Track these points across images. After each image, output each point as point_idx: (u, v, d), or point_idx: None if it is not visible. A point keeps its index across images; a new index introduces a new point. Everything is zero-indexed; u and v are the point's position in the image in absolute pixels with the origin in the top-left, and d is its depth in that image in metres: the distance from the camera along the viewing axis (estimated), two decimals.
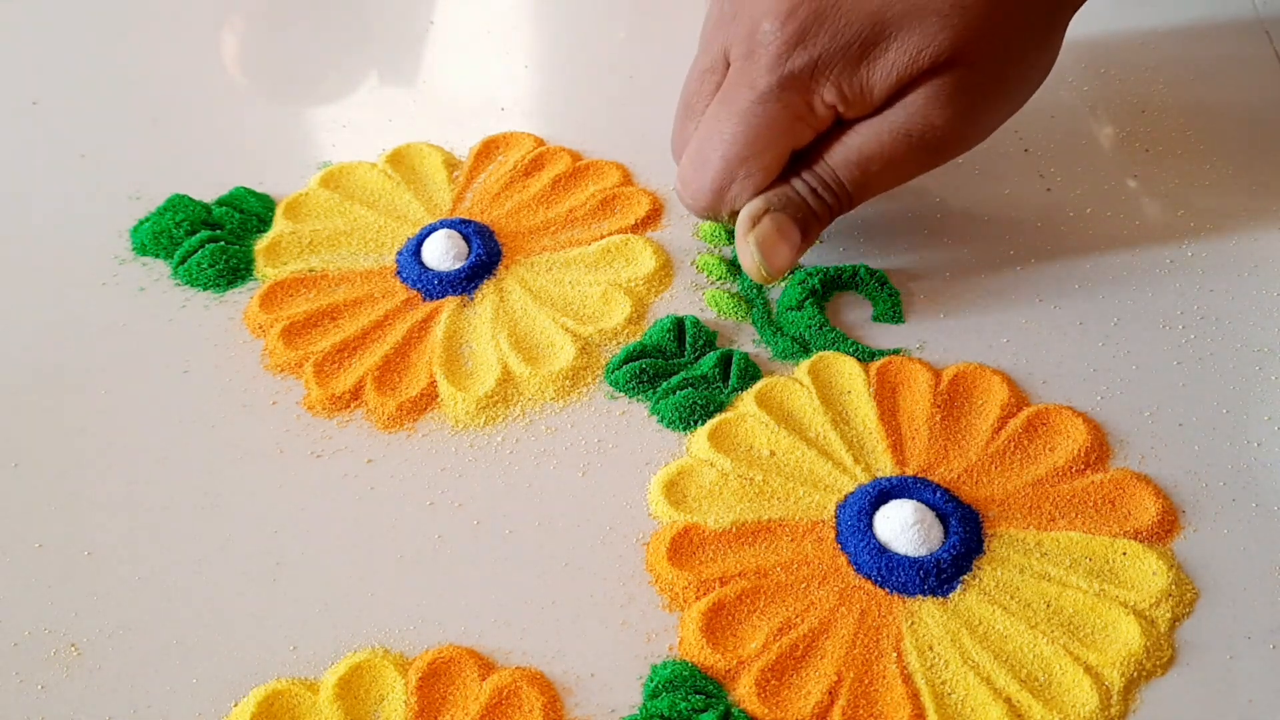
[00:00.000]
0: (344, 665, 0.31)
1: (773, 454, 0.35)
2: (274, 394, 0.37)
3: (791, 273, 0.40)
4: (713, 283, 0.40)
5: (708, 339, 0.38)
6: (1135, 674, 0.30)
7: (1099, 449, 0.35)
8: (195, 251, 0.41)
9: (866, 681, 0.30)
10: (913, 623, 0.31)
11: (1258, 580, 0.32)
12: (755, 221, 0.37)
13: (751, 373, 0.37)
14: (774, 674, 0.30)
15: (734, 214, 0.38)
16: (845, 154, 0.37)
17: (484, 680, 0.30)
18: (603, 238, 0.42)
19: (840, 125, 0.37)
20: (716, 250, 0.41)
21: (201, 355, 0.39)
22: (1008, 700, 0.30)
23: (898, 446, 0.35)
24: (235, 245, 0.42)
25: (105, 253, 0.42)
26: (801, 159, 0.38)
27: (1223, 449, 0.35)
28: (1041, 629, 0.31)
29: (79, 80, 0.49)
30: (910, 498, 0.33)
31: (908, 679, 0.30)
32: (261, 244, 0.42)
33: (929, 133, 0.36)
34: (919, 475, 0.34)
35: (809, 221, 0.37)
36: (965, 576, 0.32)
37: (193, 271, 0.41)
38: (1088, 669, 0.30)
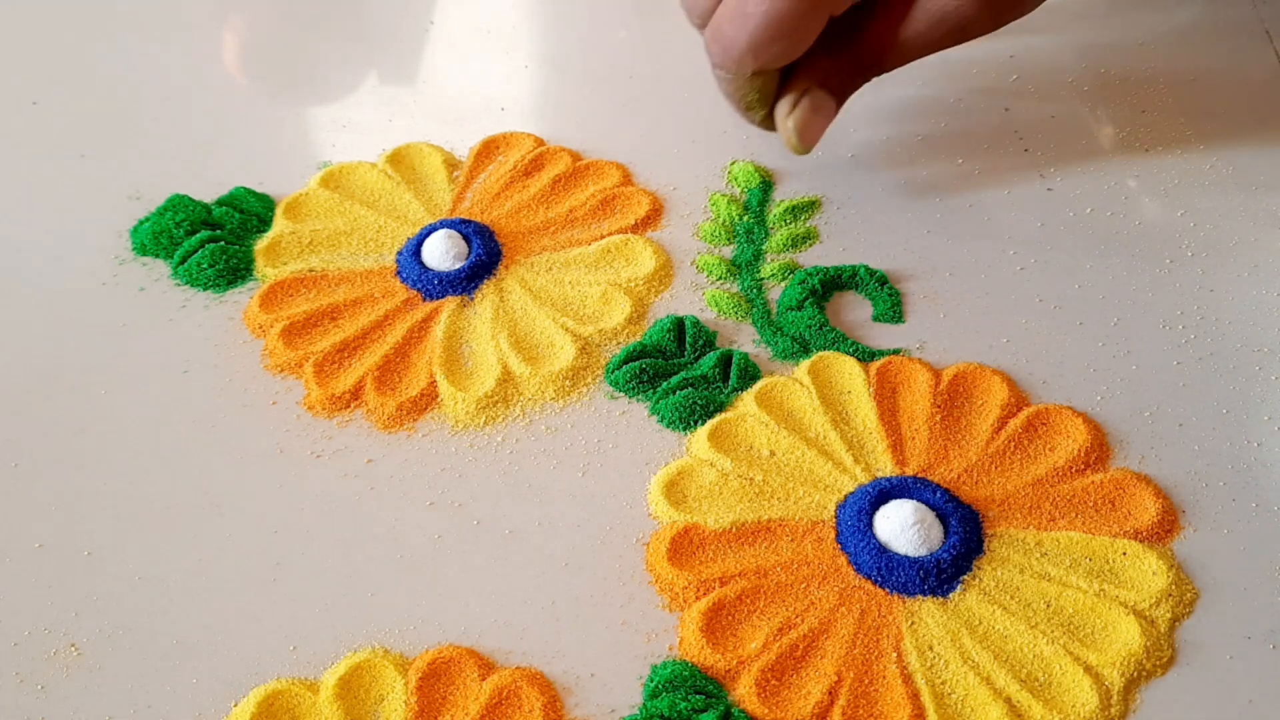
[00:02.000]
0: (344, 665, 0.31)
1: (773, 454, 0.35)
2: (274, 394, 0.37)
3: (793, 271, 0.40)
4: (713, 283, 0.40)
5: (708, 339, 0.38)
6: (1135, 674, 0.30)
7: (1099, 449, 0.35)
8: (195, 251, 0.41)
9: (866, 681, 0.30)
10: (913, 623, 0.31)
11: (1258, 580, 0.32)
12: (796, 102, 0.39)
13: (751, 373, 0.37)
14: (774, 674, 0.30)
15: (759, 72, 0.39)
16: (880, 30, 0.38)
17: (484, 680, 0.30)
18: (603, 238, 0.42)
19: None
20: (716, 250, 0.41)
21: (201, 355, 0.39)
22: (1008, 700, 0.30)
23: (898, 446, 0.35)
24: (235, 245, 0.42)
25: (105, 253, 0.42)
26: (834, 28, 0.38)
27: (1223, 449, 0.35)
28: (1041, 629, 0.31)
29: (79, 80, 0.49)
30: (910, 498, 0.33)
31: (908, 679, 0.30)
32: (261, 244, 0.42)
33: (962, 18, 0.38)
34: (919, 475, 0.34)
35: (843, 93, 0.40)
36: (965, 576, 0.32)
37: (193, 271, 0.41)
38: (1088, 669, 0.30)
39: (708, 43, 0.39)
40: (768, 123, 0.41)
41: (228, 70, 0.51)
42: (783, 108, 0.40)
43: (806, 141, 0.40)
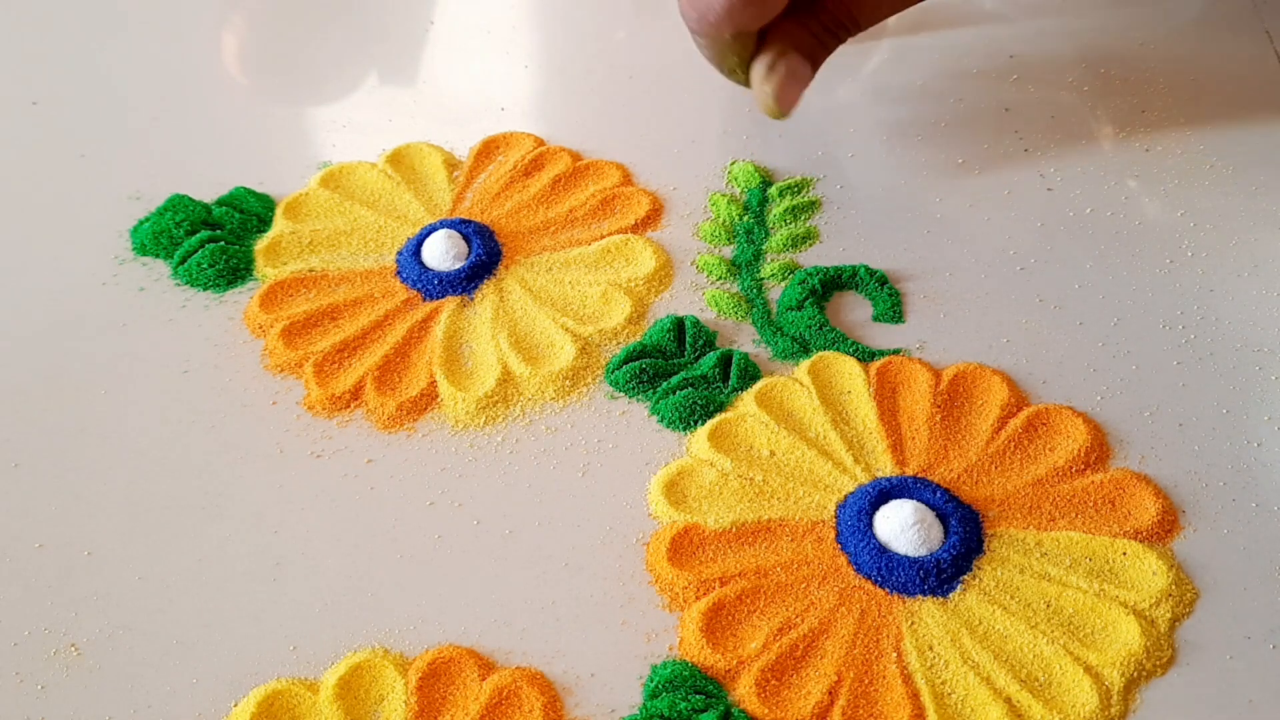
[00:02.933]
0: (344, 665, 0.31)
1: (773, 454, 0.35)
2: (274, 394, 0.37)
3: (793, 271, 0.40)
4: (713, 283, 0.40)
5: (708, 339, 0.38)
6: (1135, 674, 0.30)
7: (1099, 449, 0.35)
8: (195, 251, 0.41)
9: (866, 681, 0.30)
10: (913, 623, 0.31)
11: (1258, 580, 0.32)
12: (772, 65, 0.39)
13: (751, 373, 0.37)
14: (774, 674, 0.30)
15: (737, 34, 0.39)
16: None
17: (484, 680, 0.31)
18: (603, 238, 0.42)
19: None
20: (716, 250, 0.41)
21: (201, 355, 0.39)
22: (1008, 700, 0.30)
23: (898, 446, 0.35)
24: (235, 245, 0.42)
25: (105, 253, 0.42)
26: None
27: (1223, 449, 0.35)
28: (1041, 629, 0.31)
29: (79, 80, 0.49)
30: (910, 498, 0.33)
31: (908, 679, 0.30)
32: (261, 244, 0.42)
33: None
34: (919, 475, 0.34)
35: (818, 56, 0.40)
36: (965, 576, 0.32)
37: (193, 271, 0.41)
38: (1088, 669, 0.30)
39: (684, 8, 0.39)
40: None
41: (228, 70, 0.51)
42: (758, 72, 0.39)
43: (784, 106, 0.39)
